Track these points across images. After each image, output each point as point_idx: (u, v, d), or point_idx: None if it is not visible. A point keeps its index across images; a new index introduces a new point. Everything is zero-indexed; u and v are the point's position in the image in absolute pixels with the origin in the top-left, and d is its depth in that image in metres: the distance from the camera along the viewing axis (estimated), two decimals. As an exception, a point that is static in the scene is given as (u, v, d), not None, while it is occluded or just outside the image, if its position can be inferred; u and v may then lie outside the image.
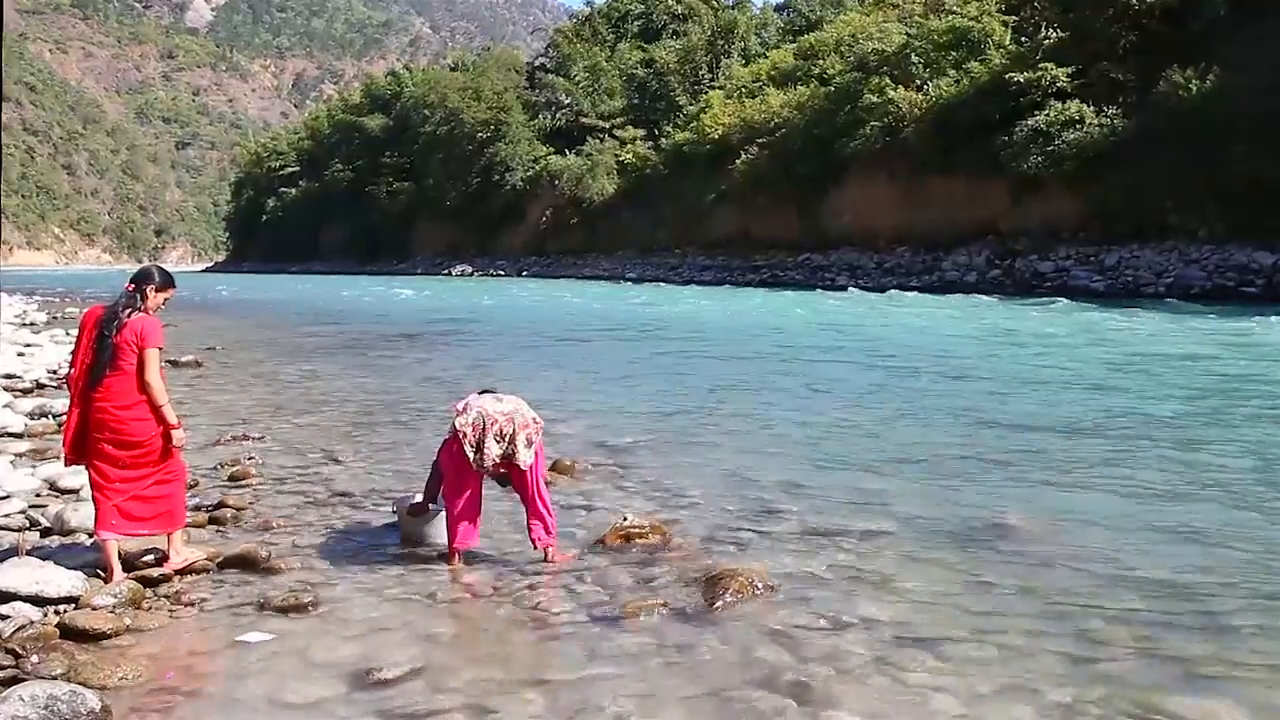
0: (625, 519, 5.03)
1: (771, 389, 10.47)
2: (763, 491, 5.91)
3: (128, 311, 4.28)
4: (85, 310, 4.50)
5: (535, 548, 4.65)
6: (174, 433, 4.35)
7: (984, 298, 25.55)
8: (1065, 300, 23.30)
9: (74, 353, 4.37)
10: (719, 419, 8.64)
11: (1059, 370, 11.38)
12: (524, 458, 4.55)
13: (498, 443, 4.51)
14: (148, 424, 4.29)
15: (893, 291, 29.21)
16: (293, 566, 4.57)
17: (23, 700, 2.92)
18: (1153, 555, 4.61)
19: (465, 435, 4.50)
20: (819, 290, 32.40)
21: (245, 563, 4.57)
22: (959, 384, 10.52)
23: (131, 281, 4.39)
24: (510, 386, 5.05)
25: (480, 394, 4.83)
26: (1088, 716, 3.06)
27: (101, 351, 4.23)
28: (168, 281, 4.48)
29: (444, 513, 4.75)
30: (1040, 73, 29.98)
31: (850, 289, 29.90)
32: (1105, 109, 28.46)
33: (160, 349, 4.31)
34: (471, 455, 4.49)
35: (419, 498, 5.01)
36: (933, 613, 3.93)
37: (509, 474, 4.64)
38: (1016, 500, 5.58)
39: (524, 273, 58.71)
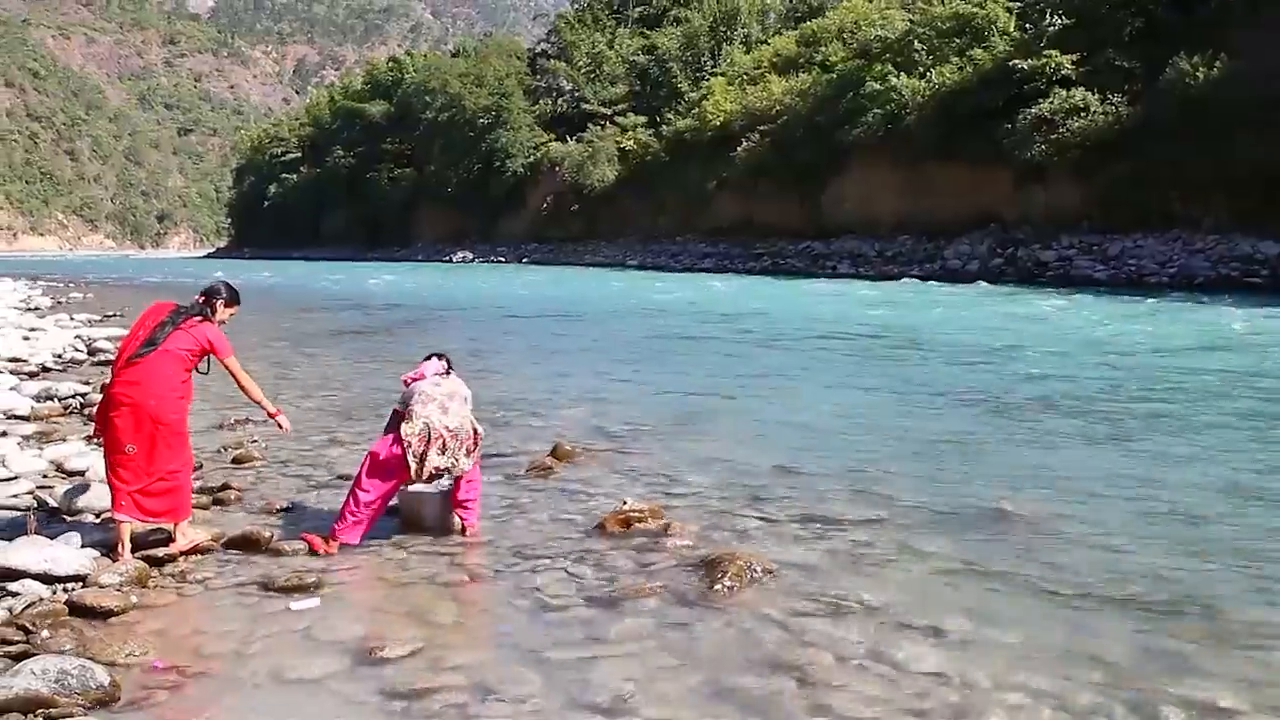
0: (625, 503, 5.06)
1: (771, 376, 10.50)
2: (762, 477, 5.95)
3: (197, 317, 4.54)
4: (154, 303, 4.72)
5: (463, 521, 4.86)
6: (279, 418, 4.79)
7: (987, 285, 25.53)
8: (1070, 289, 23.28)
9: (128, 335, 4.60)
10: (719, 406, 8.68)
11: (1056, 358, 11.41)
12: (464, 465, 4.75)
13: (439, 454, 4.64)
14: (169, 404, 4.41)
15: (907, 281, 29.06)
16: (296, 548, 4.62)
17: (34, 674, 2.98)
18: (1151, 542, 4.64)
19: (410, 444, 4.58)
20: (816, 277, 32.36)
21: (249, 544, 4.63)
22: (958, 371, 10.55)
23: (202, 294, 4.69)
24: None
25: (429, 360, 4.98)
26: (1084, 702, 3.08)
27: (160, 330, 4.44)
28: (234, 299, 4.78)
29: (443, 493, 4.86)
30: (1045, 60, 29.78)
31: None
32: (1110, 97, 28.27)
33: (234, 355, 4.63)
34: (413, 465, 4.61)
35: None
36: (930, 599, 3.96)
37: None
38: (1014, 487, 5.61)
39: (525, 259, 58.58)
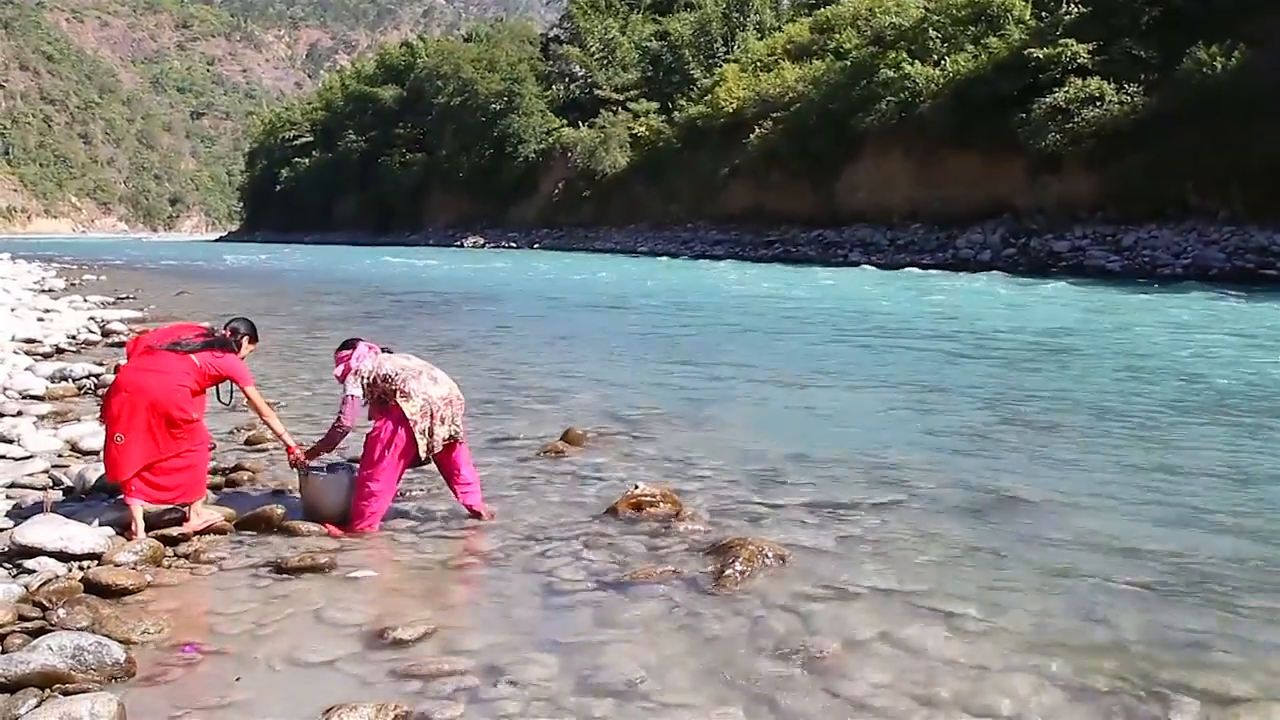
0: (636, 488, 5.05)
1: (783, 364, 10.47)
2: (774, 463, 5.95)
3: (222, 346, 4.68)
4: (186, 323, 4.95)
5: (474, 510, 4.84)
6: (295, 453, 4.81)
7: (999, 275, 25.40)
8: (1079, 279, 23.13)
9: (152, 333, 4.80)
10: (732, 392, 8.67)
11: (1069, 349, 11.35)
12: (461, 431, 4.77)
13: (443, 425, 4.65)
14: (173, 395, 4.43)
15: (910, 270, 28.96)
16: (309, 529, 4.64)
17: (51, 649, 3.02)
18: (1162, 530, 4.62)
19: (415, 423, 4.58)
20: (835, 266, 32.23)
21: (262, 524, 4.66)
22: (971, 361, 10.51)
23: (228, 329, 4.88)
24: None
25: (347, 349, 4.84)
26: (1095, 690, 3.07)
27: (190, 341, 4.59)
28: (255, 337, 5.01)
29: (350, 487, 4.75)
30: (1060, 48, 29.51)
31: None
32: (1126, 86, 28.01)
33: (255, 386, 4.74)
34: (423, 442, 4.60)
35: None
36: (942, 585, 3.96)
37: (442, 452, 4.75)
38: (1026, 475, 5.60)
39: (535, 245, 58.57)
